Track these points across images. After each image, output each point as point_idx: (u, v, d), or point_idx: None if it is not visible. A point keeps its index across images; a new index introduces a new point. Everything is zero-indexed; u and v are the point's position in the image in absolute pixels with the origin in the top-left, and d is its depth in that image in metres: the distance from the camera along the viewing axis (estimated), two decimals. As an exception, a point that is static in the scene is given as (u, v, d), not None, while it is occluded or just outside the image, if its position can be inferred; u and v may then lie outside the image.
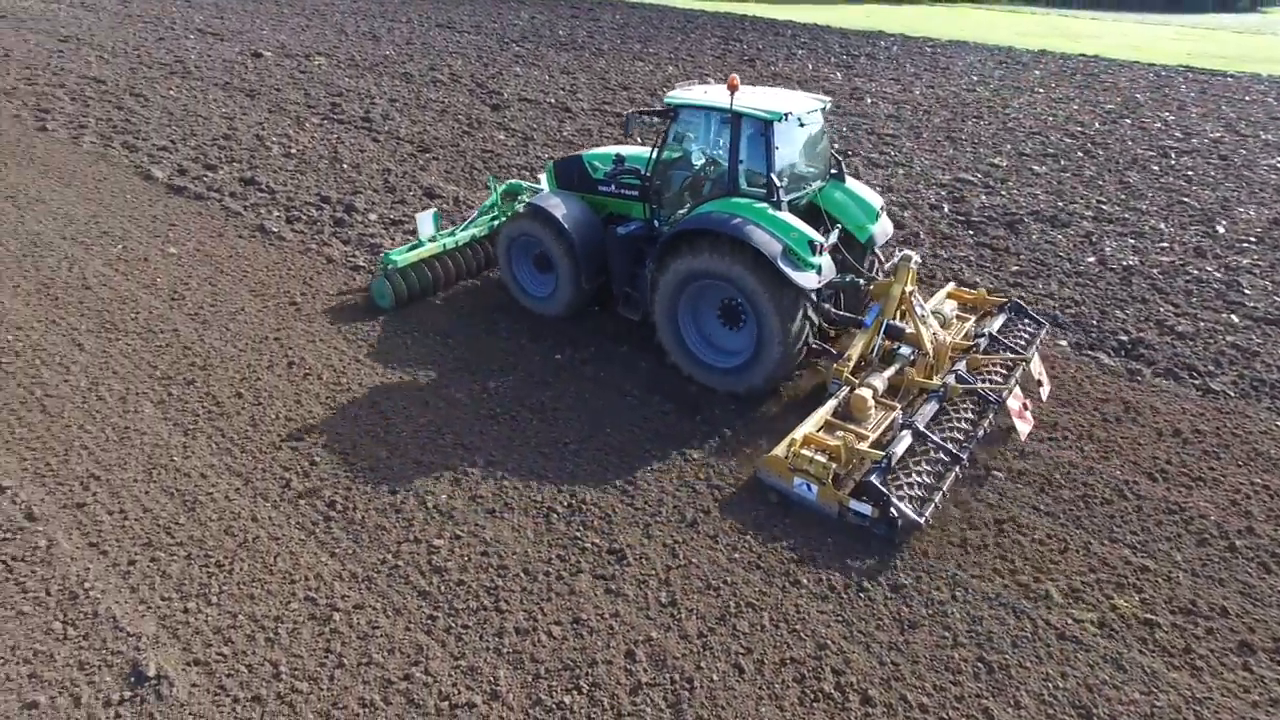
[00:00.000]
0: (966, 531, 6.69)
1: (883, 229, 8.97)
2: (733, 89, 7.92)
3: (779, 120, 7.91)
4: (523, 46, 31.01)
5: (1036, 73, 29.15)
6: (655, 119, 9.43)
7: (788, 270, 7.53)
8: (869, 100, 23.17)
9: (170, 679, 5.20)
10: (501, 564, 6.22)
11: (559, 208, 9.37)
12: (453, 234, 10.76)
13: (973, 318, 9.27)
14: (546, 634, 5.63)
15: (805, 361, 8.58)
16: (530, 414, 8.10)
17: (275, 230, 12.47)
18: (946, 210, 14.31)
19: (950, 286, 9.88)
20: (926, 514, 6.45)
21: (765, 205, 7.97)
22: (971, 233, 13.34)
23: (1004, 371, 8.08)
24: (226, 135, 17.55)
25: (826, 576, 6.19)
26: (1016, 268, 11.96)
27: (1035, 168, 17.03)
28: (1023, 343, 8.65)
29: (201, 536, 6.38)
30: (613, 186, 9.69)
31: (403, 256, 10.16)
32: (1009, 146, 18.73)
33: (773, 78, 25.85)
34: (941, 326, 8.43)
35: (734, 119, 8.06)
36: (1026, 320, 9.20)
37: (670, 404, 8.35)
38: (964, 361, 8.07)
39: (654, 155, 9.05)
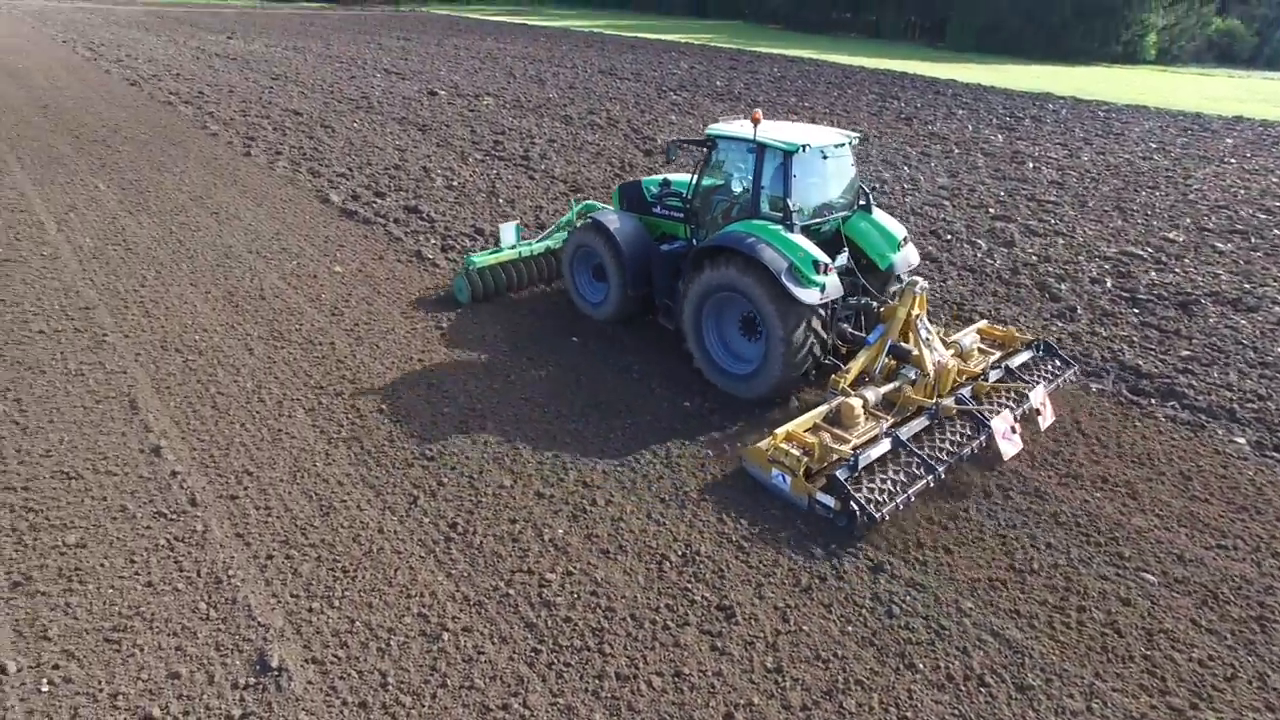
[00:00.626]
0: (1109, 637, 6.11)
1: (904, 258, 9.55)
2: (755, 122, 8.87)
3: (797, 152, 8.74)
4: (680, 95, 31.82)
5: (1228, 141, 27.00)
6: (694, 148, 10.88)
7: (790, 286, 8.30)
8: (1030, 165, 22.16)
9: (290, 673, 5.49)
10: (609, 606, 6.22)
11: (614, 224, 10.47)
12: (529, 244, 12.25)
13: (997, 353, 9.58)
14: (646, 683, 5.56)
15: (815, 375, 9.21)
16: (654, 459, 8.12)
17: (430, 257, 13.27)
18: (1109, 285, 13.37)
19: (982, 324, 10.19)
20: (883, 513, 6.97)
21: (779, 227, 8.72)
22: (1136, 311, 12.39)
23: (1004, 397, 8.45)
24: (397, 165, 18.93)
25: (945, 664, 5.80)
26: (1187, 352, 10.98)
27: (1219, 244, 15.67)
28: (1041, 376, 9.11)
29: (332, 541, 6.76)
30: (660, 208, 10.84)
31: (482, 259, 11.75)
32: (1188, 220, 17.35)
33: (929, 137, 25.25)
34: (958, 356, 9.00)
35: (759, 149, 8.93)
36: (1055, 360, 9.60)
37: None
38: (970, 387, 8.57)
39: (694, 181, 10.12)
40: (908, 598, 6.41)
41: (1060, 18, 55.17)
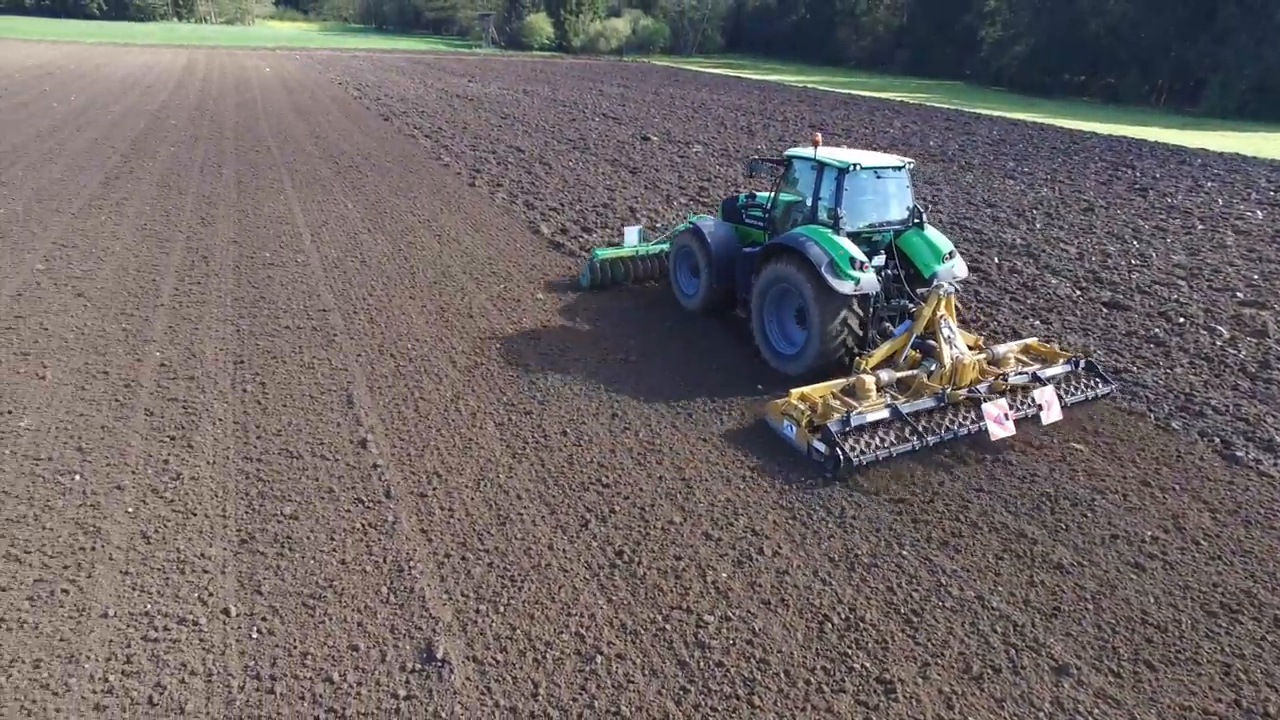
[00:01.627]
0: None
1: (949, 270, 10.69)
2: (815, 144, 10.95)
3: (849, 170, 10.41)
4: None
5: None
6: (775, 166, 12.42)
7: (829, 277, 9.76)
8: (1296, 248, 19.55)
9: (451, 666, 5.77)
10: (764, 658, 6.04)
11: (709, 229, 12.39)
12: (648, 245, 14.39)
13: (1036, 365, 10.15)
14: (793, 746, 5.33)
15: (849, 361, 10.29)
16: (827, 517, 7.86)
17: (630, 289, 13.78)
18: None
19: (1031, 340, 10.95)
20: (864, 460, 8.37)
21: (829, 231, 10.26)
22: None
23: (1010, 391, 9.49)
24: (605, 204, 19.88)
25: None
26: None
27: None
28: (1074, 387, 10.02)
29: (504, 550, 7.08)
30: (747, 218, 12.75)
31: (605, 253, 13.99)
32: None
33: (1167, 210, 22.98)
34: (992, 362, 10.04)
35: (819, 166, 10.77)
36: (1095, 376, 10.29)
37: (985, 536, 7.58)
38: (989, 384, 9.51)
39: (773, 195, 12.14)
40: (1092, 714, 5.72)
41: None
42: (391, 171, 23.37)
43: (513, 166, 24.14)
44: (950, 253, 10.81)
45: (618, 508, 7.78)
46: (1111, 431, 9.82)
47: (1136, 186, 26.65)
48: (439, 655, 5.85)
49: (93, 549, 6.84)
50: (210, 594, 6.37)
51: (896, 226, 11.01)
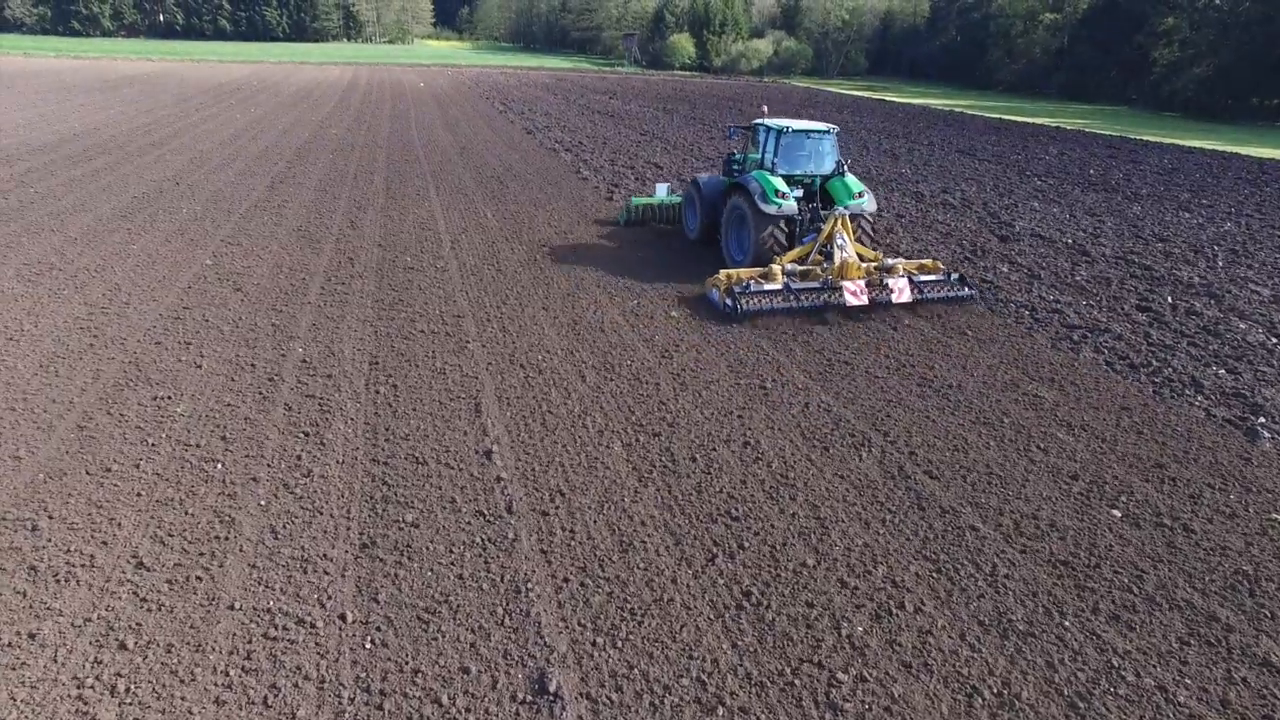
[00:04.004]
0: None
1: (859, 204, 14.74)
2: (764, 114, 17.17)
3: (783, 131, 14.98)
4: (1045, 181, 29.19)
5: None
6: (745, 131, 17.18)
7: (759, 202, 14.10)
8: None
9: (564, 702, 5.42)
10: (905, 733, 5.37)
11: (704, 181, 16.99)
12: (671, 197, 19.17)
13: (917, 271, 14.40)
14: (942, 845, 4.64)
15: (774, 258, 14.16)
16: (976, 573, 7.05)
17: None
18: None
19: (927, 261, 14.97)
20: (751, 310, 12.72)
21: (767, 173, 14.66)
22: None
23: (878, 280, 13.50)
24: (741, 224, 19.43)
25: None
26: None
27: None
28: (933, 281, 14.09)
29: (626, 579, 6.69)
30: (731, 171, 16.75)
31: (639, 201, 19.06)
32: None
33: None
34: (880, 268, 13.86)
35: (766, 130, 15.39)
36: (964, 284, 14.29)
37: (1165, 614, 6.57)
38: (868, 279, 13.47)
39: (743, 154, 16.77)
40: None
41: None
42: (531, 183, 23.79)
43: (650, 182, 24.07)
44: (861, 193, 14.98)
45: (747, 543, 7.26)
46: (1325, 505, 8.46)
47: (1341, 225, 23.68)
48: (551, 688, 5.51)
49: (226, 539, 6.95)
50: (329, 597, 6.30)
51: (824, 174, 15.51)
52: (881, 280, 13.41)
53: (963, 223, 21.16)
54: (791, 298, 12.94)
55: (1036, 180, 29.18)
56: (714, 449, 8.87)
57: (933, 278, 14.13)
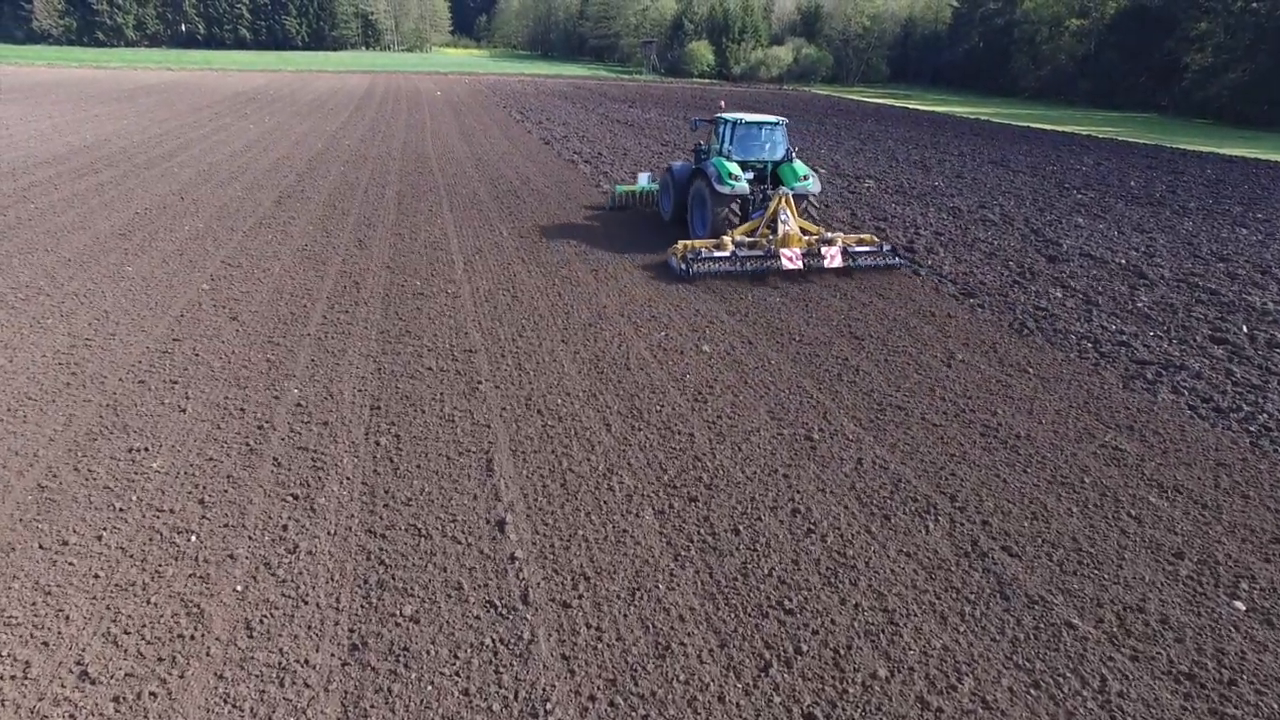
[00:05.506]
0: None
1: (804, 186, 16.97)
2: (722, 108, 20.11)
3: (737, 123, 17.58)
4: (1086, 194, 27.85)
5: None
6: (708, 123, 19.11)
7: (715, 184, 16.24)
8: None
9: None
10: None
11: (677, 168, 18.97)
12: (651, 185, 21.22)
13: (854, 244, 16.50)
14: None
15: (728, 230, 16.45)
16: (1083, 688, 5.86)
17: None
18: None
19: (865, 235, 17.58)
20: (701, 272, 15.06)
21: (724, 159, 16.67)
22: None
23: (815, 250, 15.84)
24: (772, 243, 18.28)
25: None
26: None
27: None
28: (865, 251, 16.31)
29: (664, 698, 5.56)
30: (699, 159, 18.36)
31: (622, 188, 21.33)
32: None
33: None
34: (820, 240, 16.11)
35: (724, 121, 17.70)
36: (895, 254, 16.59)
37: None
38: (809, 251, 15.80)
39: (708, 144, 18.42)
40: None
41: None
42: (549, 198, 22.77)
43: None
44: (806, 176, 17.13)
45: (805, 646, 6.11)
46: None
47: None
48: None
49: (192, 637, 5.89)
50: (308, 722, 5.22)
51: (775, 160, 17.79)
52: (818, 250, 15.69)
53: (1006, 240, 19.90)
54: (737, 263, 15.27)
55: (1077, 193, 27.85)
56: (759, 517, 7.72)
57: (866, 249, 16.23)
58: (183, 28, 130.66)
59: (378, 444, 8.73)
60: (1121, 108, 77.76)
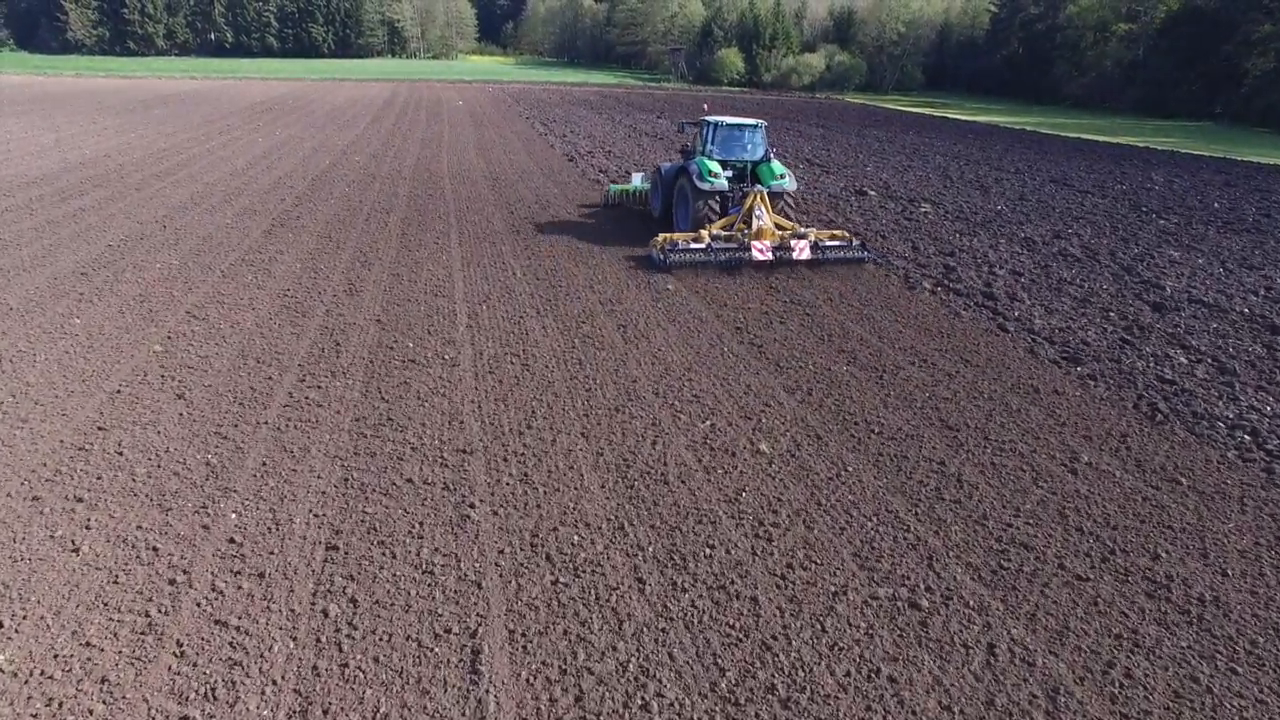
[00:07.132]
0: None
1: (780, 184, 18.08)
2: (706, 110, 21.04)
3: (719, 125, 18.52)
4: (1168, 219, 25.02)
5: None
6: (694, 125, 19.74)
7: (696, 181, 17.45)
8: None
9: None
10: None
11: (665, 168, 20.19)
12: (644, 185, 22.41)
13: (826, 239, 17.56)
14: None
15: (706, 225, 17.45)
16: None
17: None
18: None
19: (839, 231, 18.70)
20: (676, 262, 16.08)
21: (706, 159, 18.01)
22: None
23: (786, 244, 16.84)
24: (826, 287, 15.75)
25: None
26: None
27: None
28: (834, 245, 17.36)
29: None
30: (685, 159, 19.18)
31: (616, 188, 22.88)
32: None
33: None
34: (793, 234, 17.16)
35: (706, 124, 18.72)
36: (864, 249, 17.51)
37: None
38: (780, 244, 16.80)
39: (694, 145, 19.49)
40: None
41: None
42: (570, 228, 20.38)
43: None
44: (782, 174, 18.15)
45: None
46: None
47: None
48: None
49: None
50: None
51: (754, 160, 18.65)
52: (788, 243, 16.67)
53: (1096, 282, 17.18)
54: (711, 254, 16.20)
55: (1158, 219, 25.00)
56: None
57: (835, 244, 17.28)
58: (211, 36, 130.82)
59: (325, 617, 6.33)
60: (1171, 116, 74.20)
